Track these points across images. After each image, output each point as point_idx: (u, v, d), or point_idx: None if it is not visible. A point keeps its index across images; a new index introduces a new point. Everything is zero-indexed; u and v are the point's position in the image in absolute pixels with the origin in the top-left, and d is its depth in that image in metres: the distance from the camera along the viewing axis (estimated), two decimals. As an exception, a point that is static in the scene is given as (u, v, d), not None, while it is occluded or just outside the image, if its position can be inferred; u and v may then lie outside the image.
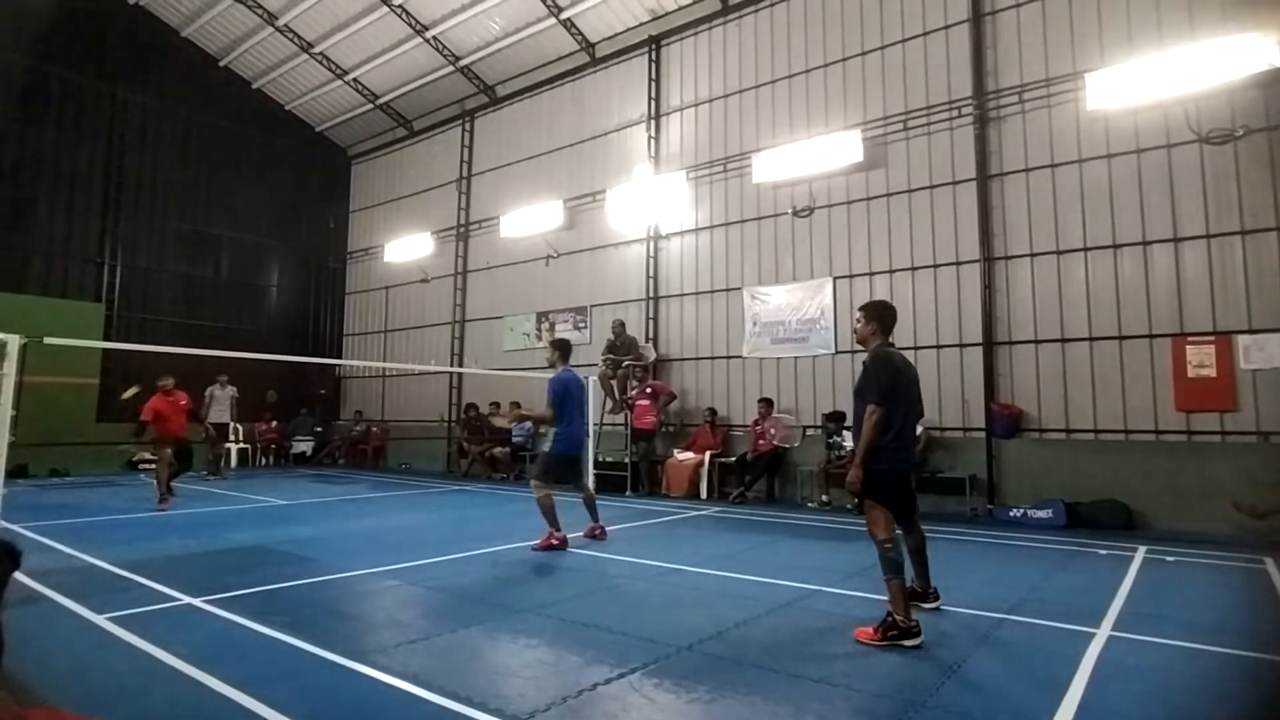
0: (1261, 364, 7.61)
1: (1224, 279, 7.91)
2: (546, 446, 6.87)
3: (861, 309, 4.47)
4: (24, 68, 13.93)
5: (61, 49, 14.40)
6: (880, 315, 4.37)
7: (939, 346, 9.62)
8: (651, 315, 12.56)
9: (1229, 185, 7.94)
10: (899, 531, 4.22)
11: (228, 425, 12.81)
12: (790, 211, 11.05)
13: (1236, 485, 7.38)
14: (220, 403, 12.50)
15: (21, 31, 13.80)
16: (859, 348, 10.14)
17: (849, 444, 9.66)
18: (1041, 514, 8.23)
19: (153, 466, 10.19)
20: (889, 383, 4.06)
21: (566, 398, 6.62)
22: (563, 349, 6.98)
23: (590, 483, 7.08)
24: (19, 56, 13.85)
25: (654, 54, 13.04)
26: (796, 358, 10.89)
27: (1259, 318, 7.68)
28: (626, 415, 11.71)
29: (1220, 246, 7.95)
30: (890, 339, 4.38)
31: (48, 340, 7.07)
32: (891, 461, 4.11)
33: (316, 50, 15.61)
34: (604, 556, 6.09)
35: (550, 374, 6.92)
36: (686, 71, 12.71)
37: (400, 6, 14.02)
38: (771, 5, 11.65)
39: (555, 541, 6.30)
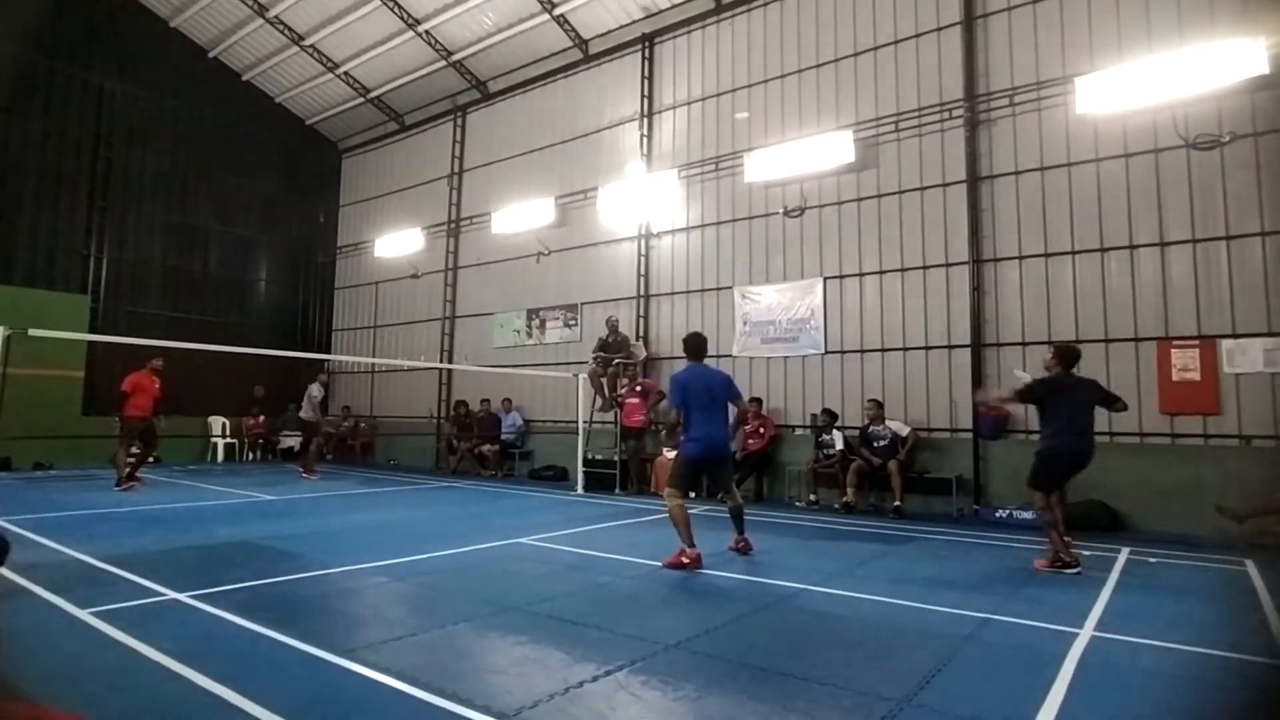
0: (1245, 368, 7.70)
1: (1209, 283, 8.00)
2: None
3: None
4: (11, 57, 13.76)
5: (49, 38, 14.25)
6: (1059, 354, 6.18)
7: (927, 348, 9.68)
8: (642, 314, 12.57)
9: (1215, 191, 8.02)
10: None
11: (312, 423, 12.55)
12: (781, 211, 11.08)
13: (1219, 488, 7.47)
14: (307, 405, 12.32)
15: (8, 20, 13.63)
16: (849, 348, 10.29)
17: (839, 444, 9.75)
18: (1027, 515, 8.25)
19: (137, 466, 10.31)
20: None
21: (685, 394, 5.86)
22: (687, 347, 6.29)
23: (737, 492, 6.32)
24: (5, 45, 13.68)
25: (647, 52, 13.03)
26: (786, 357, 10.93)
27: (1242, 322, 7.77)
28: (616, 413, 11.72)
29: (1205, 251, 8.04)
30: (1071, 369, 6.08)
31: (32, 332, 7.02)
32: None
33: (307, 43, 15.51)
34: (592, 554, 6.09)
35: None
36: (679, 70, 12.71)
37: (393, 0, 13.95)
38: (765, 4, 11.67)
39: (686, 560, 5.54)
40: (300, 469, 12.39)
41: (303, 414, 12.46)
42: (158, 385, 10.09)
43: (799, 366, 10.80)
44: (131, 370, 10.08)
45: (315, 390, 12.35)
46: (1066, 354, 6.14)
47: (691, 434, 5.83)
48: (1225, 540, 7.02)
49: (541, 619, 4.12)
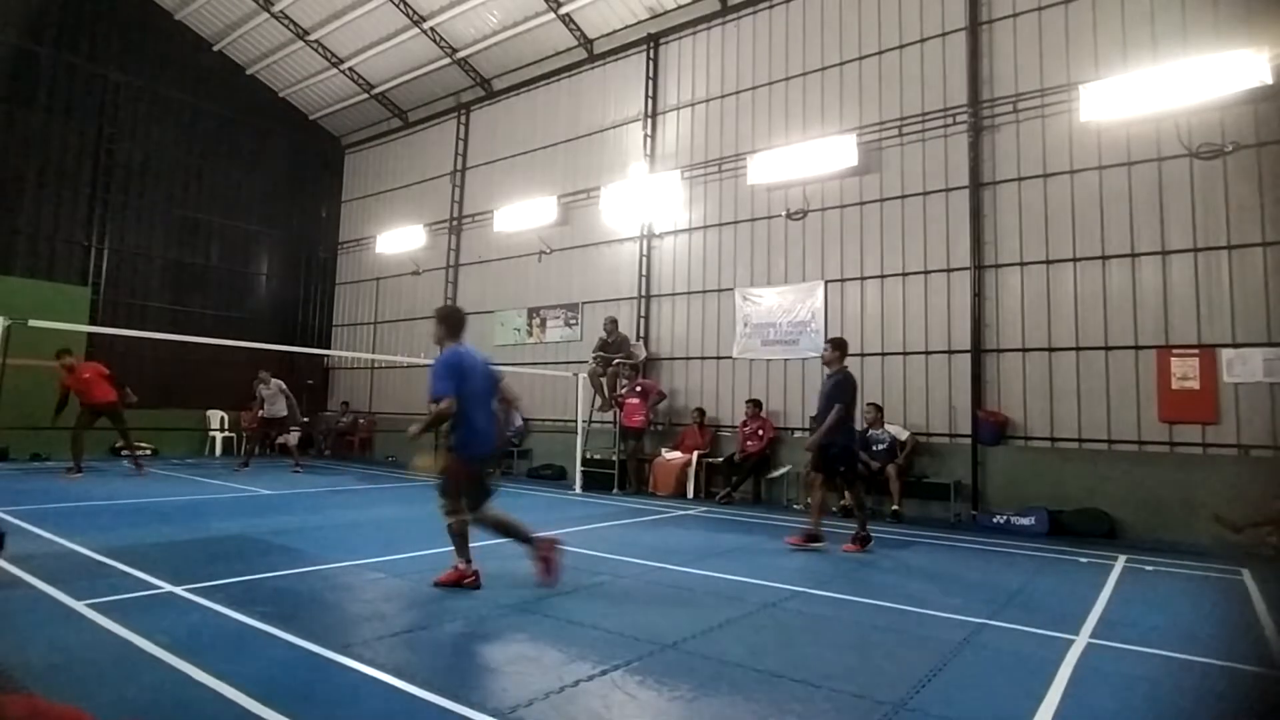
0: (1244, 377, 7.71)
1: (1209, 293, 8.00)
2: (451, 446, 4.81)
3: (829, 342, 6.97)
4: (14, 47, 13.75)
5: (53, 29, 14.23)
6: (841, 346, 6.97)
7: (928, 353, 9.68)
8: (643, 314, 12.57)
9: (1217, 200, 8.03)
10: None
11: (284, 418, 12.54)
12: (784, 214, 11.08)
13: (1216, 497, 7.47)
14: (271, 401, 12.28)
15: (12, 10, 13.62)
16: (849, 352, 10.23)
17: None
18: (1024, 521, 8.30)
19: (136, 453, 10.49)
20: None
21: (465, 382, 4.71)
22: (448, 320, 5.01)
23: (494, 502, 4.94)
24: (9, 36, 13.67)
25: (652, 52, 13.03)
26: (786, 360, 10.93)
27: (1242, 332, 7.77)
28: (615, 413, 11.72)
29: (1207, 260, 8.04)
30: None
31: (32, 323, 7.01)
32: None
33: (312, 38, 15.50)
34: (589, 554, 6.08)
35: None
36: (684, 71, 12.71)
37: (398, -4, 13.96)
38: (770, 6, 11.68)
39: (466, 580, 4.66)
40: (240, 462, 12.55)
41: (271, 413, 12.41)
42: (87, 375, 10.11)
43: (799, 369, 10.80)
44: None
45: (263, 390, 12.35)
46: (842, 346, 7.02)
47: (470, 430, 4.74)
48: (1222, 550, 7.02)
49: (538, 618, 4.12)
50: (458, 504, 4.72)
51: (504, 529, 4.86)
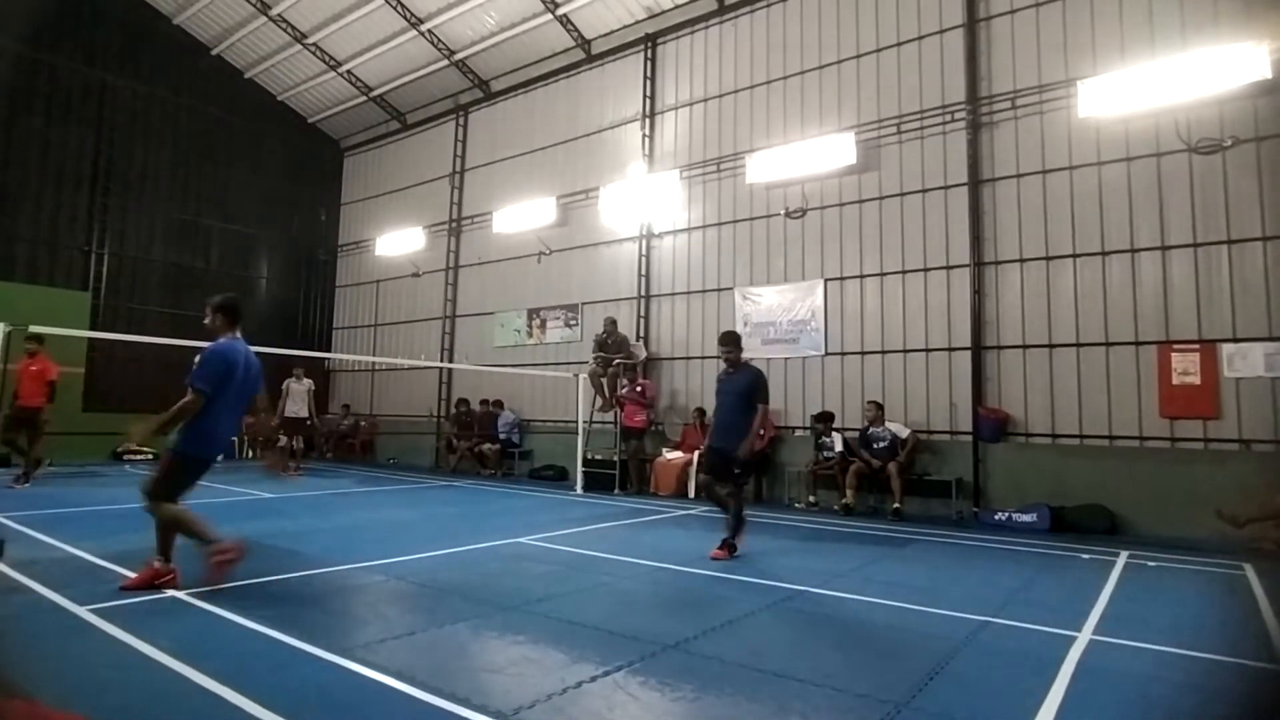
0: (1245, 372, 7.70)
1: (1209, 288, 7.99)
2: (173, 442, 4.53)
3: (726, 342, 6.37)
4: (12, 53, 13.77)
5: (50, 34, 14.26)
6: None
7: (928, 350, 9.68)
8: (643, 314, 12.57)
9: (1216, 195, 8.02)
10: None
11: (304, 420, 12.45)
12: (783, 213, 11.08)
13: (1218, 492, 7.46)
14: (296, 398, 12.21)
15: (11, 16, 13.64)
16: (849, 350, 10.30)
17: (839, 445, 9.74)
18: (1026, 518, 8.29)
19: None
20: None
21: (228, 380, 4.55)
22: (225, 310, 4.86)
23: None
24: (7, 42, 13.69)
25: (649, 52, 13.03)
26: (786, 359, 10.92)
27: (1243, 326, 7.76)
28: (616, 414, 11.72)
29: (1207, 255, 8.03)
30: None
31: (33, 328, 7.02)
32: None
33: (310, 41, 15.51)
34: (591, 554, 6.09)
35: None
36: (682, 70, 12.71)
37: (396, -1, 13.97)
38: (768, 5, 11.67)
39: (162, 579, 4.36)
40: (290, 468, 12.20)
41: (287, 414, 12.25)
42: (35, 368, 9.13)
43: (799, 368, 10.80)
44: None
45: (293, 385, 12.24)
46: (740, 340, 6.54)
47: (206, 428, 4.52)
48: (1224, 545, 7.01)
49: (540, 619, 4.12)
50: (167, 497, 4.47)
51: (183, 528, 4.45)
